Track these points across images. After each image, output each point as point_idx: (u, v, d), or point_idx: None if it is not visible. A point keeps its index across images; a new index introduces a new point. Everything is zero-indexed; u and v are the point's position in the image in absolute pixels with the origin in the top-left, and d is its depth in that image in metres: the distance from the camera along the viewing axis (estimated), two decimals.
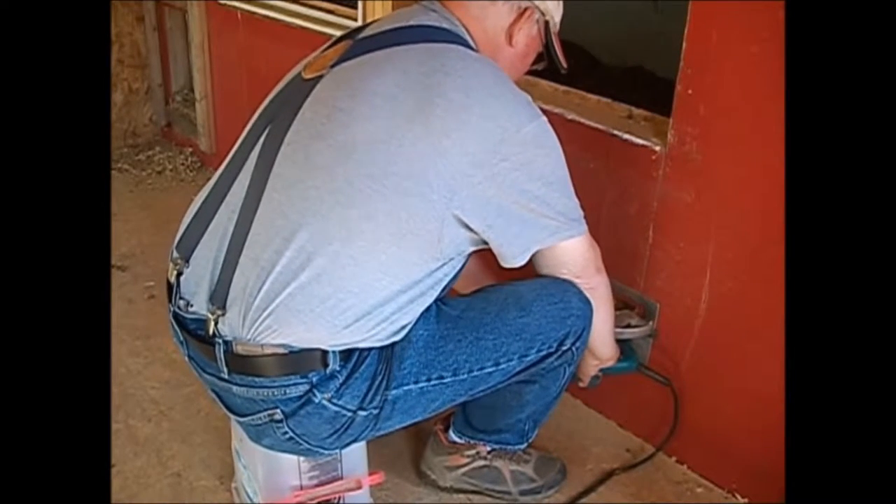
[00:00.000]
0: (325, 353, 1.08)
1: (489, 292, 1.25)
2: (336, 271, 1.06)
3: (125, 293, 2.06)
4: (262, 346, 1.08)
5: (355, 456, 1.31)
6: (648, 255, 1.49)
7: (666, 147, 1.41)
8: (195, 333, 1.15)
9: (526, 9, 1.22)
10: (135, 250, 2.28)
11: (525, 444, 1.43)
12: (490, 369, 1.20)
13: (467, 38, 1.20)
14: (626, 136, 1.47)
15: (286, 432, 1.14)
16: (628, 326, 1.48)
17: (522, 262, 1.16)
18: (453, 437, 1.45)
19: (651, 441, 1.59)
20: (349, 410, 1.12)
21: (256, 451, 1.24)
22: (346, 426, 1.14)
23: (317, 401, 1.10)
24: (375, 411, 1.14)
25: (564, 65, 1.30)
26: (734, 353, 1.41)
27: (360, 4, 1.98)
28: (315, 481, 1.28)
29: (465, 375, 1.18)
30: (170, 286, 1.18)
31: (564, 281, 1.22)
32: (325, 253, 1.06)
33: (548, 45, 1.28)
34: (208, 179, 1.23)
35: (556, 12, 1.26)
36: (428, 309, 1.16)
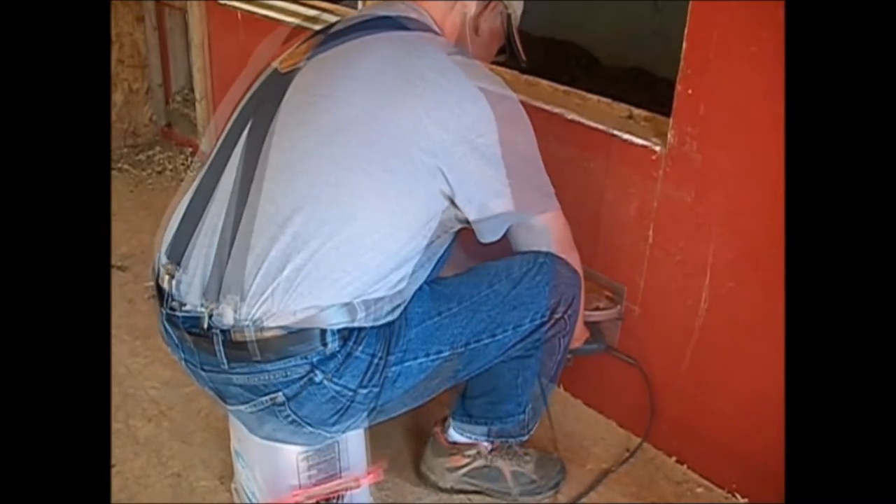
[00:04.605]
0: (323, 332, 1.10)
1: (479, 268, 1.28)
2: (330, 252, 1.08)
3: (125, 293, 2.06)
4: (260, 330, 1.09)
5: (355, 455, 1.31)
6: (648, 255, 1.49)
7: (666, 147, 1.41)
8: (190, 331, 1.14)
9: (491, 0, 1.30)
10: (135, 250, 2.28)
11: (526, 436, 1.43)
12: (486, 341, 1.22)
13: (435, 27, 1.27)
14: (626, 137, 1.47)
15: (288, 415, 1.15)
16: (597, 309, 1.51)
17: (498, 237, 1.21)
18: (454, 435, 1.45)
19: (652, 441, 1.59)
20: (350, 389, 1.14)
21: (256, 451, 1.24)
22: (347, 405, 1.15)
23: (318, 380, 1.11)
24: (376, 389, 1.16)
25: (524, 57, 1.38)
26: (734, 353, 1.41)
27: (359, 4, 1.99)
28: (314, 480, 1.28)
29: (463, 349, 1.21)
30: (161, 291, 1.18)
31: (551, 253, 1.25)
32: (319, 235, 1.08)
33: (509, 38, 1.35)
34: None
35: (517, 7, 1.35)
36: (420, 289, 1.19)
